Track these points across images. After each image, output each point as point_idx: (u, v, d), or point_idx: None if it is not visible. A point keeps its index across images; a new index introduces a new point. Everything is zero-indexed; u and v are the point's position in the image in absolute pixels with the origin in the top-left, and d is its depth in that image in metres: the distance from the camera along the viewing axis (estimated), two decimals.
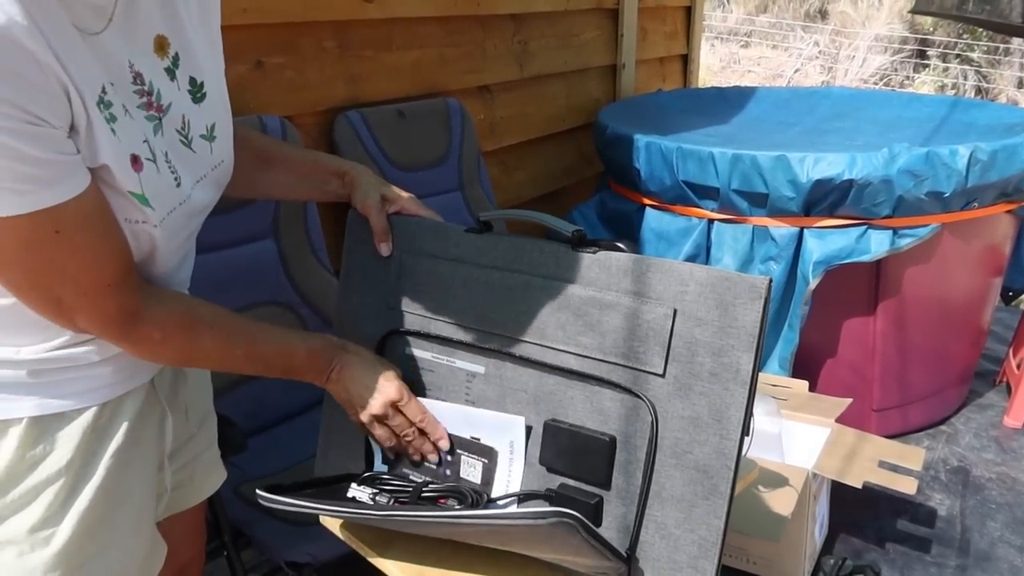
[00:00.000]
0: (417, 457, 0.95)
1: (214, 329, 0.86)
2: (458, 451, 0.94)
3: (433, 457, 0.95)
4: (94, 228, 0.72)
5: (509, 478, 0.91)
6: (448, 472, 0.95)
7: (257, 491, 0.88)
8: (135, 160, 0.73)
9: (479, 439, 0.92)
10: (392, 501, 0.92)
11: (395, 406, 0.91)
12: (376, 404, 0.91)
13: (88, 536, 0.83)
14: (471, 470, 0.93)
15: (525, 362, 0.89)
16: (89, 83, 0.68)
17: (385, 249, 0.99)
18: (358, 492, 0.93)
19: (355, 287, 1.03)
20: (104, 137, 0.69)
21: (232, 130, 0.90)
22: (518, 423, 0.89)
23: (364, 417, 0.92)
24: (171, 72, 0.80)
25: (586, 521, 0.73)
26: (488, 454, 0.92)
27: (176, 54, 0.80)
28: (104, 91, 0.69)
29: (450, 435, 0.94)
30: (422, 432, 0.93)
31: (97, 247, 0.73)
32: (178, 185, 0.80)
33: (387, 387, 0.91)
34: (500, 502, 0.91)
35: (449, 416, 0.94)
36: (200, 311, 0.86)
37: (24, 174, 0.64)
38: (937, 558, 1.86)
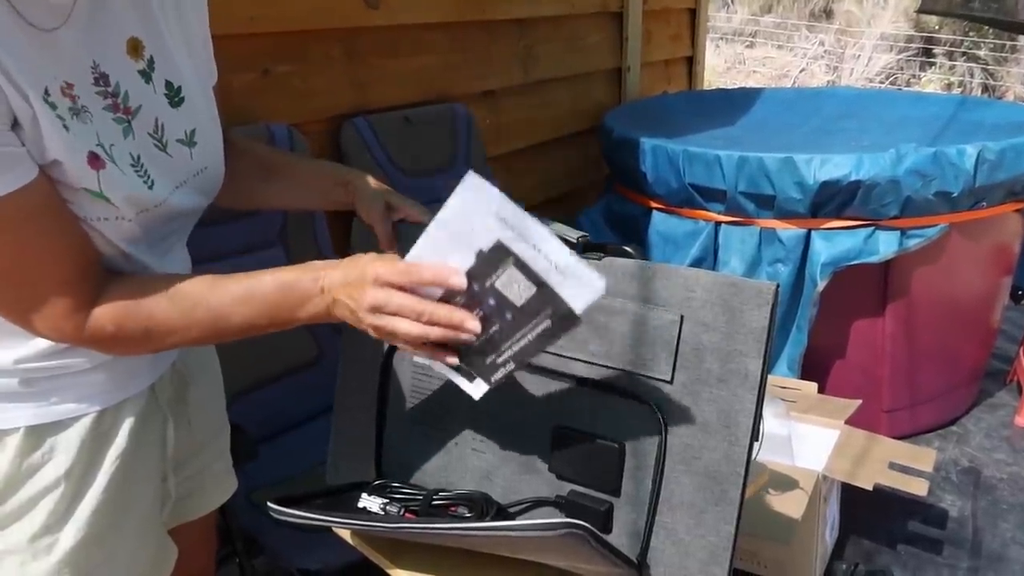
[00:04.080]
0: (461, 335, 0.75)
1: (166, 299, 0.77)
2: (483, 278, 0.74)
3: (472, 324, 0.74)
4: (39, 224, 0.70)
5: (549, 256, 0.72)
6: (508, 317, 0.75)
7: (268, 504, 0.88)
8: (94, 158, 0.72)
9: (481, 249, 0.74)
10: (402, 510, 0.92)
11: (376, 282, 0.75)
12: (366, 297, 0.75)
13: (92, 543, 0.83)
14: (515, 285, 0.74)
15: (533, 368, 0.89)
16: (34, 79, 0.67)
17: None
18: (368, 502, 0.93)
19: None
20: (53, 133, 0.69)
21: (220, 137, 0.90)
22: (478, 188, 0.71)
23: (371, 322, 0.76)
24: (146, 75, 0.79)
25: (595, 531, 0.73)
26: (500, 254, 0.73)
27: (151, 57, 0.80)
28: (47, 92, 0.68)
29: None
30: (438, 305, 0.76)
31: (45, 244, 0.71)
32: (150, 188, 0.79)
33: (354, 268, 0.77)
34: (510, 510, 0.92)
35: (433, 251, 0.76)
36: (149, 285, 0.79)
37: None
38: (949, 559, 1.85)
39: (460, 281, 0.74)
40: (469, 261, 0.74)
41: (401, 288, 0.75)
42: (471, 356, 0.78)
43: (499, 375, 0.78)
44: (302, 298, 0.78)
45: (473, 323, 0.74)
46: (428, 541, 0.93)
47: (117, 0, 0.76)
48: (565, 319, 0.72)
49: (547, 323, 0.73)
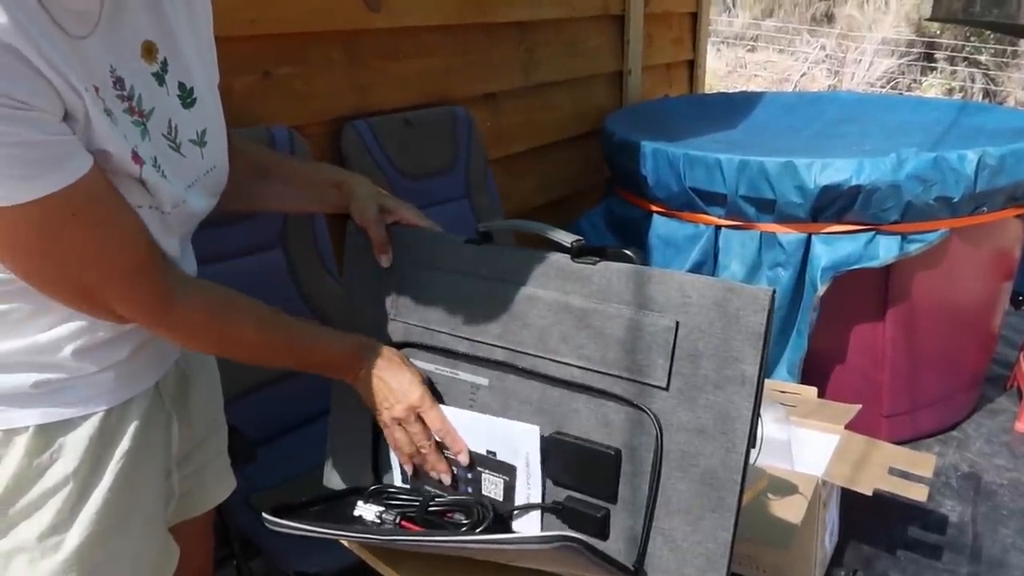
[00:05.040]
0: (434, 475, 0.95)
1: (253, 316, 0.87)
2: (479, 469, 0.93)
3: (446, 478, 0.94)
4: (109, 206, 0.73)
5: (529, 492, 0.90)
6: (470, 490, 0.94)
7: (263, 515, 0.88)
8: (135, 155, 0.74)
9: (495, 453, 0.91)
10: (399, 517, 0.92)
11: (416, 412, 0.92)
12: (398, 408, 0.92)
13: (98, 542, 0.83)
14: (493, 488, 0.92)
15: (528, 374, 0.89)
16: (78, 78, 0.68)
17: (385, 261, 0.99)
18: (364, 510, 0.93)
19: (357, 299, 1.04)
20: (103, 125, 0.70)
21: (225, 136, 0.91)
22: (531, 433, 0.88)
23: (385, 418, 0.93)
24: (159, 77, 0.80)
25: (590, 543, 0.73)
26: (507, 471, 0.91)
27: (164, 59, 0.80)
28: (86, 91, 0.69)
29: (469, 452, 0.93)
30: (439, 447, 0.94)
31: (117, 226, 0.74)
32: (171, 186, 0.80)
33: (410, 392, 0.92)
34: (507, 516, 0.91)
35: (464, 426, 0.93)
36: (237, 298, 0.87)
37: (29, 159, 0.65)
38: (949, 565, 1.84)
39: (464, 460, 0.93)
40: (480, 447, 0.92)
41: (425, 423, 0.92)
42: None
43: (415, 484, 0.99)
44: (349, 367, 0.94)
45: (447, 478, 0.94)
46: (424, 551, 0.93)
47: (132, 3, 0.76)
48: (495, 523, 0.91)
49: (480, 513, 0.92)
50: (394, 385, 0.92)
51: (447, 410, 0.93)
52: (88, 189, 0.69)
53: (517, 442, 0.89)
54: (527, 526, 0.91)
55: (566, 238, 0.86)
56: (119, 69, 0.75)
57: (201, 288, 0.85)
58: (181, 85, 0.83)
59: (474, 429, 0.92)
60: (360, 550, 0.98)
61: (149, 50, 0.79)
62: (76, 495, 0.82)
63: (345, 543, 0.99)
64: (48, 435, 0.80)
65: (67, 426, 0.81)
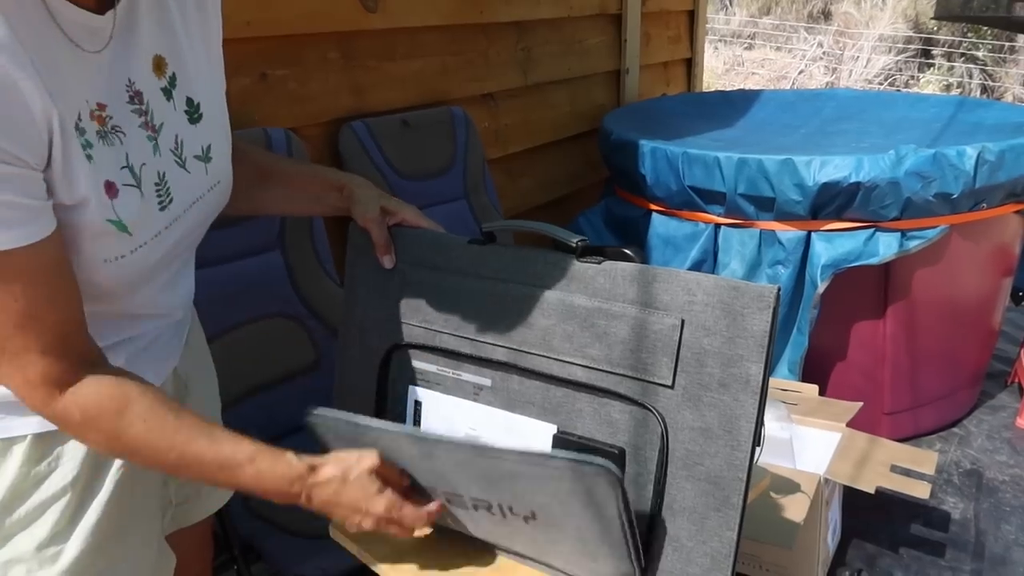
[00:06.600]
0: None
1: (145, 424, 0.75)
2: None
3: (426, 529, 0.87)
4: (37, 286, 0.68)
5: None
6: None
7: (311, 413, 0.83)
8: (109, 187, 0.72)
9: None
10: None
11: (387, 520, 0.83)
12: (368, 522, 0.83)
13: (97, 552, 0.83)
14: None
15: (532, 374, 0.88)
16: (71, 104, 0.67)
17: (387, 262, 0.99)
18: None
19: (358, 300, 1.03)
20: (80, 164, 0.68)
21: (230, 150, 0.90)
22: (546, 432, 0.87)
23: (362, 529, 0.84)
24: (167, 92, 0.80)
25: (622, 479, 0.71)
26: None
27: (173, 74, 0.80)
28: (80, 118, 0.68)
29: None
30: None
31: (34, 308, 0.68)
32: (162, 209, 0.79)
33: (374, 506, 0.82)
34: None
35: (479, 421, 0.91)
36: (136, 402, 0.75)
37: None
38: (952, 562, 1.84)
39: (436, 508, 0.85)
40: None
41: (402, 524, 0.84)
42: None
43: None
44: (278, 493, 0.80)
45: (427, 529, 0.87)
46: (449, 487, 0.86)
47: (145, 19, 0.76)
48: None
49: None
50: (352, 504, 0.82)
51: (463, 404, 0.91)
52: (23, 261, 0.65)
53: (533, 442, 0.88)
54: None
55: (570, 238, 0.85)
56: (137, 83, 0.75)
57: (95, 385, 0.74)
58: (188, 100, 0.82)
59: (490, 425, 0.91)
60: (359, 552, 0.97)
61: (159, 64, 0.79)
62: (75, 505, 0.81)
63: (346, 545, 0.98)
64: (46, 444, 0.79)
65: (65, 435, 0.80)
